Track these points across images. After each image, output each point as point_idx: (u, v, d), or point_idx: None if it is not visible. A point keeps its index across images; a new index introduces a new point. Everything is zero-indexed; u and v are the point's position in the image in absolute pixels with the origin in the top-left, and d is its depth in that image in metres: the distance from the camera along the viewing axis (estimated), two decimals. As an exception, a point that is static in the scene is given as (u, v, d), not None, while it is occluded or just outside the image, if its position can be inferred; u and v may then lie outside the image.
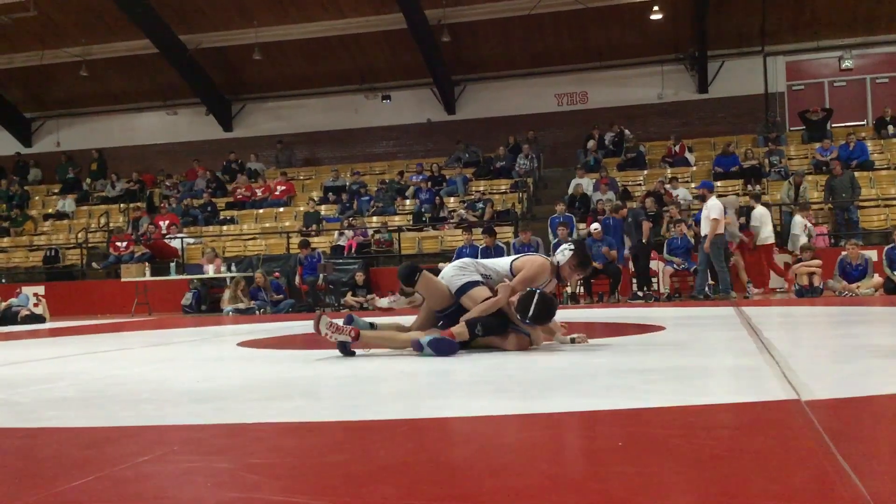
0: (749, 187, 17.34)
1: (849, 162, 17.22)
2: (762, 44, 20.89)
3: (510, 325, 5.24)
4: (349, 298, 14.94)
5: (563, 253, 5.46)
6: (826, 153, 17.85)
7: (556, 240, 14.27)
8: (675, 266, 13.57)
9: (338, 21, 20.96)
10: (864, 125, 20.53)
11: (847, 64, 20.99)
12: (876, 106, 20.76)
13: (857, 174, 16.58)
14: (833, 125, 19.80)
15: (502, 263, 5.50)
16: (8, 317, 13.50)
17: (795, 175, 16.60)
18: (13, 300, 14.38)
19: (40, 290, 16.99)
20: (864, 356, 4.61)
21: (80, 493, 2.01)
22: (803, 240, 14.22)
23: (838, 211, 16.09)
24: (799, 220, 14.72)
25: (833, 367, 4.33)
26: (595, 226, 14.22)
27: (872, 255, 13.45)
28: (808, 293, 12.85)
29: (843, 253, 13.37)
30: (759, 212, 14.39)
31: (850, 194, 16.00)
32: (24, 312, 13.84)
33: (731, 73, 21.12)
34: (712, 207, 12.48)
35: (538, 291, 5.07)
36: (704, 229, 12.55)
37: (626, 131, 20.17)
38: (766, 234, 14.19)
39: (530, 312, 5.00)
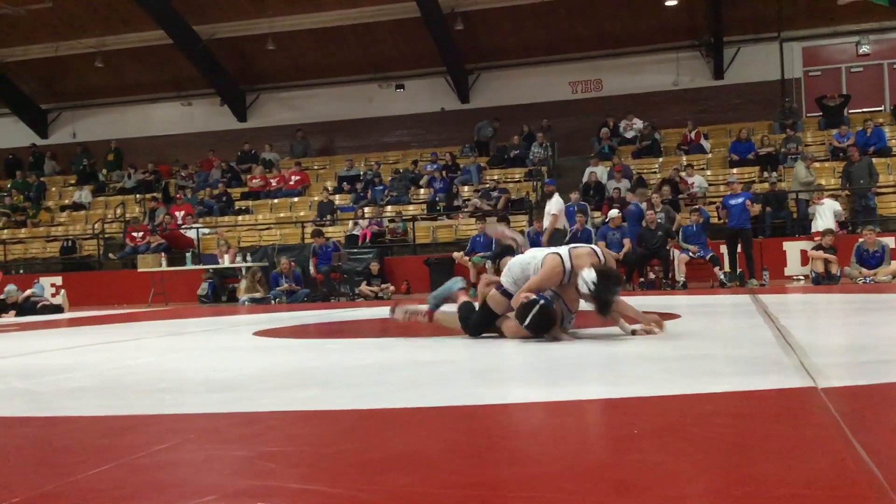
0: (765, 174, 17.23)
1: (866, 148, 17.07)
2: (778, 29, 20.69)
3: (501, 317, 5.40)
4: (364, 288, 14.97)
5: (586, 285, 4.97)
6: (843, 139, 17.71)
7: (572, 227, 14.24)
8: (690, 254, 13.52)
9: (351, 10, 20.94)
10: (881, 111, 20.33)
11: (864, 49, 20.78)
12: (893, 91, 20.57)
13: (874, 160, 16.43)
14: (850, 111, 19.63)
15: (537, 261, 5.33)
16: (27, 307, 13.62)
17: (807, 157, 16.49)
18: (33, 290, 14.49)
19: (58, 280, 17.11)
20: (881, 344, 4.58)
21: (98, 481, 2.03)
22: (832, 224, 14.00)
23: (856, 198, 15.95)
24: (832, 203, 14.50)
25: (850, 354, 4.31)
26: (613, 212, 14.19)
27: (890, 241, 13.34)
28: (824, 281, 12.77)
29: (861, 240, 13.25)
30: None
31: (867, 181, 15.86)
32: (44, 302, 13.95)
33: (747, 59, 20.96)
34: (554, 203, 13.58)
35: (540, 303, 4.96)
36: (545, 223, 13.61)
37: (640, 123, 20.05)
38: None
39: (526, 321, 5.00)
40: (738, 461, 2.01)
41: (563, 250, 5.23)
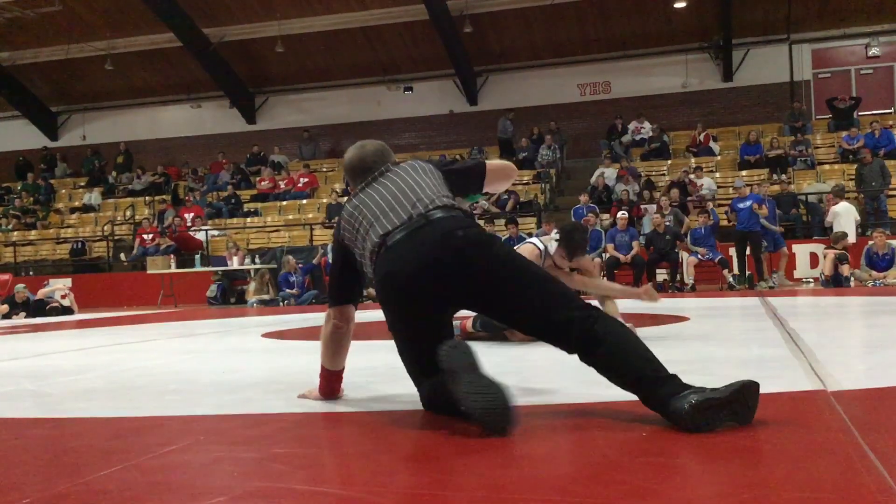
0: (774, 176, 17.18)
1: (876, 150, 17.01)
2: (788, 31, 20.64)
3: None
4: (372, 290, 14.97)
5: (551, 243, 5.43)
6: (853, 142, 17.65)
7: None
8: (699, 256, 13.49)
9: (360, 13, 20.96)
10: (891, 113, 20.25)
11: (874, 51, 20.70)
12: (903, 93, 20.49)
13: (885, 162, 16.37)
14: (859, 113, 19.56)
15: None
16: (38, 307, 13.70)
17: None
18: (53, 294, 14.56)
19: (67, 282, 17.17)
20: (892, 347, 4.56)
21: (107, 483, 2.04)
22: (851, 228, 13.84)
23: (867, 200, 15.88)
24: (849, 207, 14.32)
25: (860, 357, 4.29)
26: (621, 214, 14.18)
27: (900, 244, 13.26)
28: (831, 284, 12.71)
29: (871, 242, 13.19)
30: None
31: (879, 183, 15.80)
32: (54, 304, 14.03)
33: (757, 61, 20.90)
34: None
35: None
36: None
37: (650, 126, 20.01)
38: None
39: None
40: (747, 465, 2.00)
41: (534, 239, 5.67)
